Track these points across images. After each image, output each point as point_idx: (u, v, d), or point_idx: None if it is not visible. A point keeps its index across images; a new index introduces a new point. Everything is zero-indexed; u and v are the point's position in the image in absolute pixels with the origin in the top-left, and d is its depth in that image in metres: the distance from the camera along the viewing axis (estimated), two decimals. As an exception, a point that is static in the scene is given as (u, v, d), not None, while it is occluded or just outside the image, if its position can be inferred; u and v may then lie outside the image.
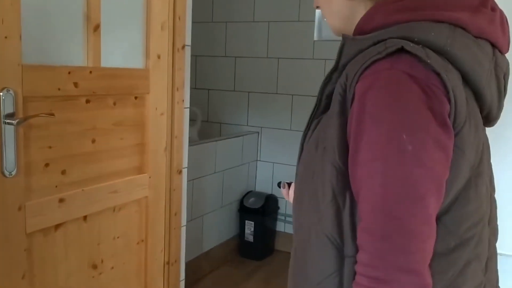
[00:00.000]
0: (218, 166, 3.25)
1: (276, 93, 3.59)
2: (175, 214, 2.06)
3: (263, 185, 3.69)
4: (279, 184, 1.14)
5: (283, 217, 3.67)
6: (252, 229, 3.46)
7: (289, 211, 3.68)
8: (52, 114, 1.42)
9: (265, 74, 3.61)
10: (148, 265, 1.95)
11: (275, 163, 3.66)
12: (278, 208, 3.60)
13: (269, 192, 3.58)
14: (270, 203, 3.50)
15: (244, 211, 3.49)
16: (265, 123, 3.67)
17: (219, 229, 3.39)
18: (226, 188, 3.39)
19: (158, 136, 1.92)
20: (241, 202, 3.52)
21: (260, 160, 3.73)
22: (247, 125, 3.73)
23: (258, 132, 3.70)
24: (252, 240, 3.47)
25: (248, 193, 3.56)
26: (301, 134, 0.93)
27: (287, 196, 1.11)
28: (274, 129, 3.64)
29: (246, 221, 3.48)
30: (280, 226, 3.68)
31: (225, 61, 3.72)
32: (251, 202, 3.49)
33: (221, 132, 3.75)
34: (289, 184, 1.11)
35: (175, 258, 2.10)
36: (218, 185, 3.28)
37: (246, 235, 3.50)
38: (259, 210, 3.44)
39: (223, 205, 3.39)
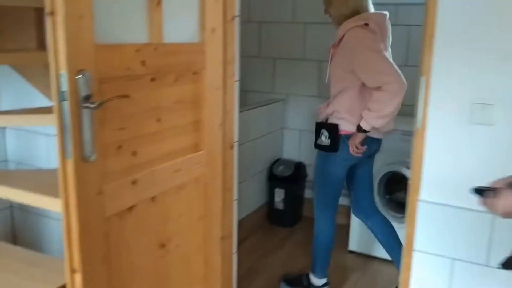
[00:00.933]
0: (246, 135, 3.21)
1: (303, 59, 3.53)
2: (228, 190, 2.05)
3: (291, 153, 3.68)
4: (477, 191, 0.98)
5: (311, 184, 3.67)
6: (282, 197, 3.47)
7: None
8: (127, 96, 1.38)
9: (291, 40, 3.53)
10: (207, 241, 1.94)
11: (301, 131, 3.64)
12: (307, 175, 3.59)
13: (297, 159, 3.57)
14: (299, 171, 3.49)
15: (273, 179, 3.49)
16: (292, 90, 3.61)
17: (250, 198, 3.39)
18: (255, 157, 3.37)
19: (214, 111, 1.88)
20: (270, 170, 3.51)
21: (286, 128, 3.70)
22: (274, 92, 3.68)
23: (285, 99, 3.65)
24: (282, 208, 3.49)
25: (276, 161, 3.55)
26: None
27: (492, 206, 0.97)
28: (300, 96, 3.59)
29: (276, 189, 3.48)
30: (309, 193, 3.69)
31: (249, 26, 3.63)
32: (280, 170, 3.48)
33: (247, 101, 3.69)
34: (492, 190, 0.94)
35: (229, 232, 2.10)
36: (247, 154, 3.26)
37: (275, 203, 3.50)
38: (289, 177, 3.44)
39: (253, 174, 3.38)
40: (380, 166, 2.96)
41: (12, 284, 1.55)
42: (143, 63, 1.48)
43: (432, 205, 1.66)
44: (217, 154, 1.94)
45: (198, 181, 1.86)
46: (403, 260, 1.75)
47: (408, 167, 2.86)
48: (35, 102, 2.02)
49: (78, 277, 1.36)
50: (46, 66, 1.27)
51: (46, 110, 1.56)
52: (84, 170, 1.32)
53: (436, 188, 1.64)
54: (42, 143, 2.35)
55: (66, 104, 1.25)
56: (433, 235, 1.67)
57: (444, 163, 1.63)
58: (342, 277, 2.90)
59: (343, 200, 3.60)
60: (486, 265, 1.61)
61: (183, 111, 1.72)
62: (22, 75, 2.06)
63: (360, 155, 2.37)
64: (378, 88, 2.19)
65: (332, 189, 2.51)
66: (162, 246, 1.69)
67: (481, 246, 1.61)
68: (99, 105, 1.30)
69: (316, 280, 2.62)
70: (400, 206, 3.00)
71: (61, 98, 1.24)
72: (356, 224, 3.13)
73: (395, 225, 2.68)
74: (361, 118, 2.28)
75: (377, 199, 3.01)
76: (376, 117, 2.23)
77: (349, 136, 2.35)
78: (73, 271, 1.36)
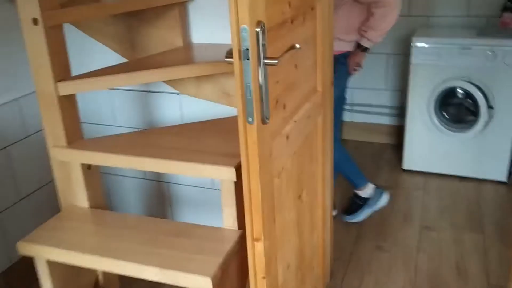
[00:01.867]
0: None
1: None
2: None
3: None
4: None
5: (349, 107, 3.61)
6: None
7: (354, 100, 3.61)
8: (295, 46, 1.23)
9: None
10: (324, 188, 1.89)
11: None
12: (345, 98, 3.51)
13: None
14: (340, 95, 3.41)
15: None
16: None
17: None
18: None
19: (325, 48, 1.73)
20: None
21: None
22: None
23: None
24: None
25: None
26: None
27: None
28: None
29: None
30: (346, 116, 3.64)
31: None
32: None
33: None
34: None
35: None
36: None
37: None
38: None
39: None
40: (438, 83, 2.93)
41: (180, 260, 1.44)
42: (289, 4, 1.31)
43: None
44: (326, 93, 1.82)
45: (317, 124, 1.76)
46: None
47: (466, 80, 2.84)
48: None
49: (259, 246, 1.28)
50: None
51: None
52: (262, 132, 1.19)
53: None
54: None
55: (248, 63, 1.09)
56: None
57: None
58: (406, 196, 2.95)
59: (386, 120, 3.60)
60: None
61: (307, 52, 1.58)
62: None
63: (357, 73, 2.46)
64: (376, 4, 2.19)
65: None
66: (299, 197, 1.62)
67: None
68: (279, 60, 1.14)
69: (364, 191, 2.65)
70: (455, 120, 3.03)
71: (243, 56, 1.09)
72: (409, 142, 3.14)
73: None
74: (357, 35, 2.33)
75: (434, 117, 3.01)
76: (380, 35, 2.31)
77: (344, 55, 2.36)
78: (256, 239, 1.27)
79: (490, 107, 2.88)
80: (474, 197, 2.92)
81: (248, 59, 1.09)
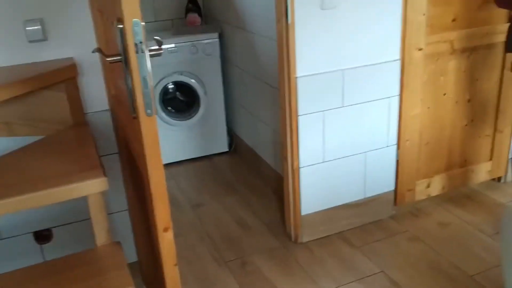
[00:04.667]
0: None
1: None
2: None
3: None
4: None
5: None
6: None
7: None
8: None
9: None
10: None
11: None
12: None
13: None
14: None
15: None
16: None
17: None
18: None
19: None
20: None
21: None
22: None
23: None
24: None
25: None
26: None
27: None
28: None
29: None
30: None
31: None
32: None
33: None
34: None
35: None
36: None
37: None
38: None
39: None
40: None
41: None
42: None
43: (308, 77, 2.21)
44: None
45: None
46: (290, 127, 2.29)
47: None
48: None
49: (168, 235, 1.32)
50: None
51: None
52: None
53: (307, 64, 2.19)
54: None
55: (143, 55, 1.13)
56: (309, 99, 2.25)
57: (312, 51, 2.17)
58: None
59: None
60: (341, 107, 2.34)
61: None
62: None
63: None
64: None
65: None
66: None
67: (338, 95, 2.31)
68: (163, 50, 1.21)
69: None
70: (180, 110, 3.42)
71: (138, 49, 1.11)
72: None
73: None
74: None
75: (162, 113, 3.32)
76: None
77: None
78: (165, 230, 1.30)
79: (205, 93, 3.39)
80: (217, 169, 3.41)
81: (143, 52, 1.13)
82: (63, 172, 1.42)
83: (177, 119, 3.40)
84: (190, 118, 3.41)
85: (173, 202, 2.99)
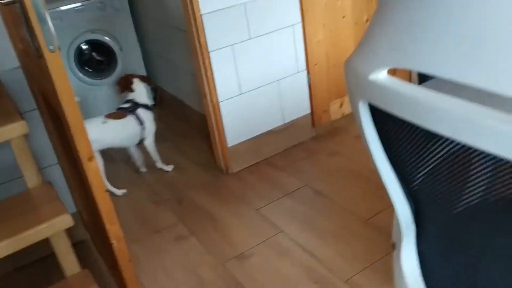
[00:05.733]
0: None
1: None
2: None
3: None
4: None
5: None
6: None
7: None
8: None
9: None
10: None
11: None
12: None
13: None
14: None
15: None
16: None
17: None
18: None
19: None
20: None
21: None
22: None
23: None
24: None
25: None
26: None
27: None
28: None
29: None
30: None
31: None
32: None
33: None
34: None
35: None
36: None
37: None
38: None
39: None
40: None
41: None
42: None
43: (212, 13, 2.31)
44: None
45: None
46: (203, 64, 2.40)
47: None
48: None
49: (93, 164, 1.43)
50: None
51: None
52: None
53: (210, 0, 2.29)
54: None
55: (34, -5, 1.20)
56: (217, 35, 2.37)
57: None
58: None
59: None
60: (249, 39, 2.48)
61: None
62: None
63: None
64: None
65: None
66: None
67: (244, 28, 2.43)
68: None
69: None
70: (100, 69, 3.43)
71: (31, -12, 1.18)
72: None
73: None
74: None
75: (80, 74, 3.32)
76: None
77: None
78: (89, 159, 1.41)
79: (120, 49, 3.41)
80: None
81: (35, -10, 1.20)
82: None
83: (96, 78, 3.41)
84: (110, 76, 3.44)
85: (106, 157, 3.06)
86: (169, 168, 2.83)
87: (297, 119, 2.82)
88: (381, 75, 0.73)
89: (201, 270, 2.06)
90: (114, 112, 2.65)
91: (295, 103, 2.77)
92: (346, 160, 2.67)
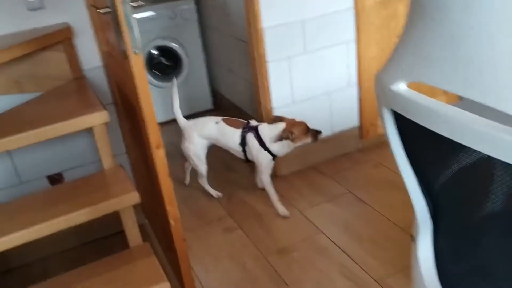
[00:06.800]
0: None
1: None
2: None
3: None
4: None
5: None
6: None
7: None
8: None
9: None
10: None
11: None
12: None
13: None
14: None
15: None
16: None
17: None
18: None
19: None
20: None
21: None
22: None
23: None
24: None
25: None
26: None
27: None
28: None
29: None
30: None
31: None
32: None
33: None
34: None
35: None
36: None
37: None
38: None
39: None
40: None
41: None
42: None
43: (272, 27, 2.54)
44: (112, 52, 2.19)
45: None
46: (260, 73, 2.62)
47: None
48: None
49: (160, 152, 1.67)
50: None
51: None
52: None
53: (272, 16, 2.51)
54: None
55: (127, 4, 1.45)
56: (275, 47, 2.59)
57: (275, 4, 2.48)
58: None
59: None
60: (305, 52, 2.68)
61: None
62: None
63: None
64: None
65: None
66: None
67: (300, 42, 2.64)
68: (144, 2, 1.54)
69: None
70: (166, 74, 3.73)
71: (124, 0, 1.44)
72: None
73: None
74: None
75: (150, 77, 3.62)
76: None
77: None
78: (157, 147, 1.65)
79: (187, 56, 3.70)
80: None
81: (127, 2, 1.45)
82: (71, 111, 1.76)
83: (163, 81, 3.71)
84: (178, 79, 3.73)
85: (168, 156, 3.33)
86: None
87: (346, 130, 2.98)
88: (401, 86, 0.90)
89: (245, 260, 2.26)
90: (232, 119, 2.67)
91: (345, 115, 2.93)
92: (389, 172, 2.79)
